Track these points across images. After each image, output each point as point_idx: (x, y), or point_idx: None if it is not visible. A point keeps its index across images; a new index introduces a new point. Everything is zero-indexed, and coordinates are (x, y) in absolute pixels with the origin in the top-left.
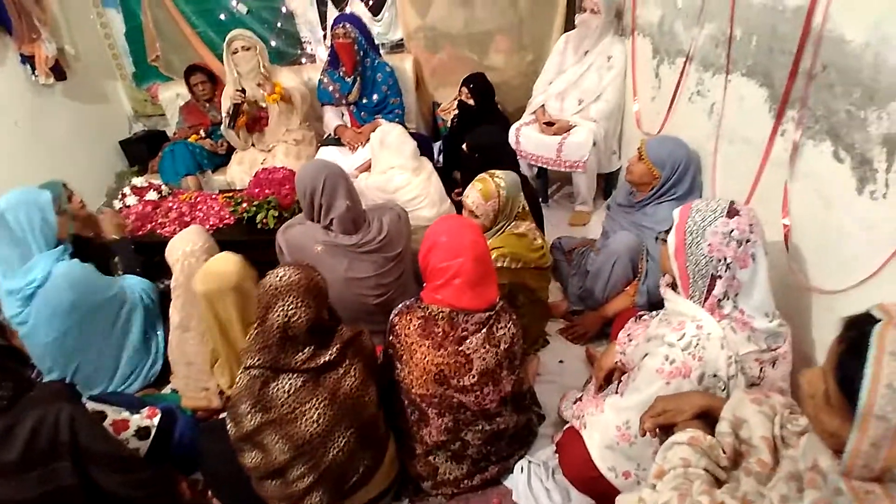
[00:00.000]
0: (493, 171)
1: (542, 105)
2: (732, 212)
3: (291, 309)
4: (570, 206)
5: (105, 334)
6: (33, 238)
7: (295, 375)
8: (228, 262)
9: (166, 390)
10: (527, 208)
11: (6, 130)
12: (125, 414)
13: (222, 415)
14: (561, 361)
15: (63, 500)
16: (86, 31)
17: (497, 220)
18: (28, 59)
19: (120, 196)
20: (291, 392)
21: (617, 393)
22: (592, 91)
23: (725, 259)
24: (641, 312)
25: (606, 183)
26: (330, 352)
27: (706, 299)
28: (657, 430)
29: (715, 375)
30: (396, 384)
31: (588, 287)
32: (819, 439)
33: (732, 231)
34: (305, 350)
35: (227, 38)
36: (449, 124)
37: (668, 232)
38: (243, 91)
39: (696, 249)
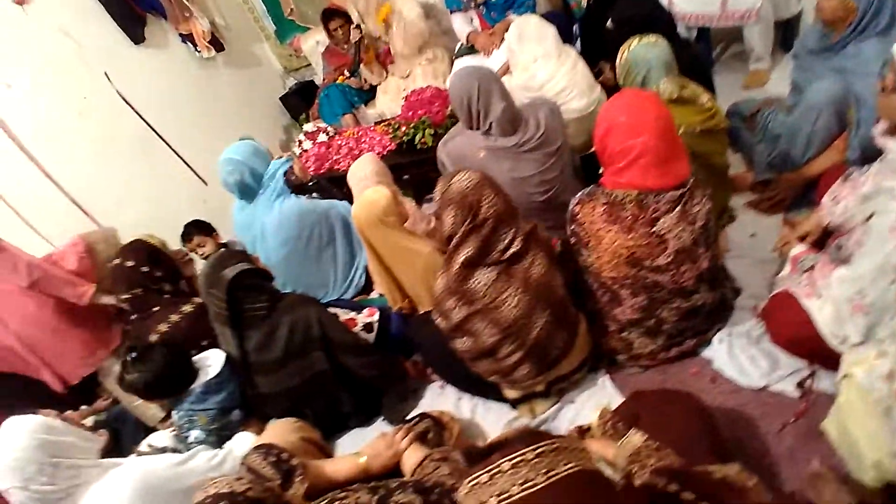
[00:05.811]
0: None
1: None
2: None
3: (492, 198)
4: (742, 67)
5: (320, 251)
6: (267, 177)
7: (489, 269)
8: (377, 194)
9: (373, 295)
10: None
11: (182, 104)
12: (352, 314)
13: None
14: (753, 235)
15: (320, 383)
16: (227, 0)
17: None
18: (187, 38)
19: (297, 143)
20: (489, 284)
21: (839, 262)
22: None
23: None
24: (850, 170)
25: (784, 31)
26: (515, 243)
27: None
28: None
29: None
30: (583, 270)
31: (782, 150)
32: None
33: None
34: (505, 239)
35: None
36: (584, 3)
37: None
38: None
39: None
